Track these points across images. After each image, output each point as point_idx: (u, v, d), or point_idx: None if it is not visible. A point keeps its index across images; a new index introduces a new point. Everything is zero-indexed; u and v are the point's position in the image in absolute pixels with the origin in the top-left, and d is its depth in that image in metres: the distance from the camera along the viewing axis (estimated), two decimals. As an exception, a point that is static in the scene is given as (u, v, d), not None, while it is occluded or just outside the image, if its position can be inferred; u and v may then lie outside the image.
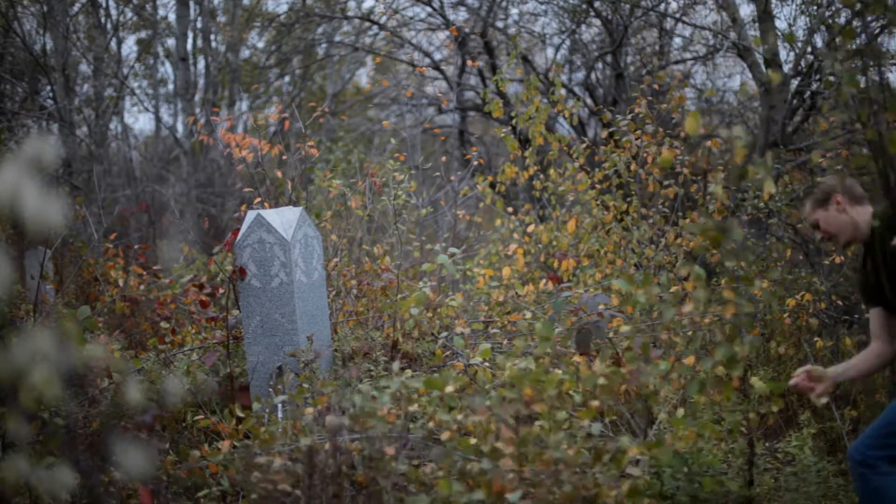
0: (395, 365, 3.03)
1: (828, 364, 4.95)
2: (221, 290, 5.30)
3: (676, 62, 11.19)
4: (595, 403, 2.80)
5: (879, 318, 3.38)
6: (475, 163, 8.25)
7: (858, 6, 7.57)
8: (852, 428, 4.56)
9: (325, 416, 3.00)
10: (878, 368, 3.46)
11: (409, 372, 3.34)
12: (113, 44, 13.37)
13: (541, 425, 2.74)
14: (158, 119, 15.81)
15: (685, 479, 3.13)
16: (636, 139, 6.07)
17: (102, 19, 12.13)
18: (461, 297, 5.55)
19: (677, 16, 9.93)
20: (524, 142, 8.28)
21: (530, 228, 6.81)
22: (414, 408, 3.07)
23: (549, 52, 13.00)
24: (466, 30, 10.66)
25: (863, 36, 8.10)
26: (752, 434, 3.75)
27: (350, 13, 12.80)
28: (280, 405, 4.04)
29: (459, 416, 2.80)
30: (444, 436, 2.69)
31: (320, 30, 13.71)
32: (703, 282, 2.69)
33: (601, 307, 4.61)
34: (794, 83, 8.24)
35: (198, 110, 13.65)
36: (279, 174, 6.54)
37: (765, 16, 8.17)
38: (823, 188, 3.44)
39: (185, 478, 3.22)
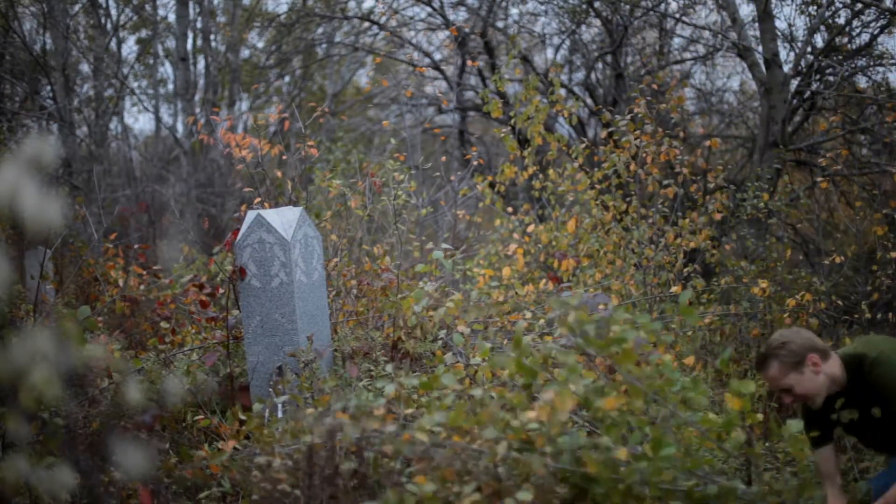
0: (390, 367, 3.03)
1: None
2: (221, 290, 5.30)
3: (676, 62, 11.19)
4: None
5: (830, 457, 3.26)
6: (475, 163, 8.25)
7: (859, 6, 7.58)
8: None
9: (325, 417, 3.00)
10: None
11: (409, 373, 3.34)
12: (113, 44, 13.38)
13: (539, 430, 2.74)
14: (158, 119, 15.82)
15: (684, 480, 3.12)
16: (635, 139, 6.07)
17: (102, 19, 12.13)
18: (461, 296, 5.55)
19: (677, 16, 9.93)
20: (523, 142, 8.29)
21: (530, 228, 6.81)
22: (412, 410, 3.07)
23: (549, 52, 13.00)
24: (466, 30, 10.66)
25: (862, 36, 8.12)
26: (750, 434, 3.75)
27: (350, 13, 12.80)
28: (280, 405, 4.05)
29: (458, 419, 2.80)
30: (422, 436, 2.64)
31: (320, 30, 13.71)
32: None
33: (601, 307, 4.61)
34: (794, 83, 8.24)
35: (198, 110, 13.66)
36: (279, 174, 6.54)
37: (765, 16, 8.17)
38: (793, 349, 3.01)
39: (186, 478, 3.23)
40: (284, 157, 6.54)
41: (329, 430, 2.70)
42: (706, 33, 10.13)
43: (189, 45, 13.77)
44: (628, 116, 6.20)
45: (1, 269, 1.59)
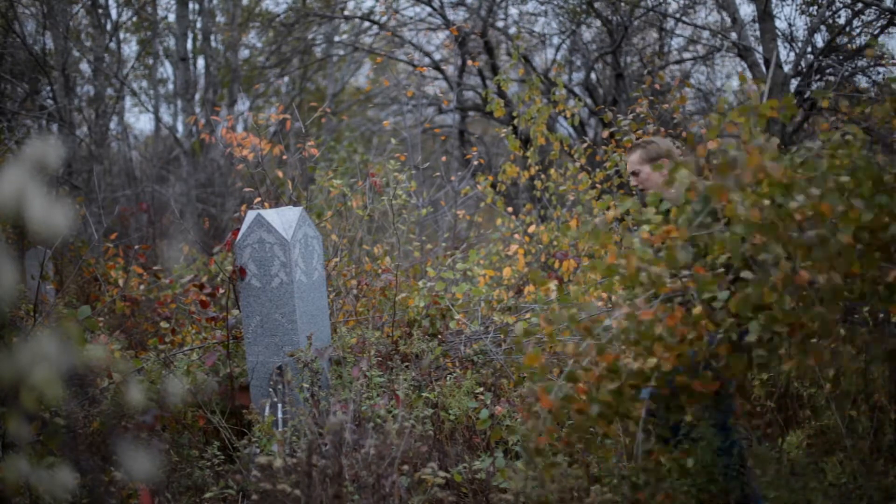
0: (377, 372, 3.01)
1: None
2: (221, 290, 5.30)
3: (676, 62, 11.19)
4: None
5: None
6: (475, 162, 8.25)
7: (859, 6, 7.58)
8: (852, 428, 4.55)
9: (328, 416, 3.00)
10: None
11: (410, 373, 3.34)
12: (113, 44, 13.37)
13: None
14: (158, 119, 15.82)
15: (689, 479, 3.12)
16: (637, 139, 6.07)
17: (102, 19, 12.13)
18: (461, 296, 5.55)
19: (677, 16, 9.93)
20: (525, 141, 8.28)
21: (531, 229, 6.81)
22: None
23: (549, 52, 13.00)
24: (466, 30, 10.66)
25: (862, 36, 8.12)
26: (749, 433, 3.75)
27: (350, 13, 12.79)
28: (280, 405, 4.05)
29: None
30: None
31: (320, 30, 13.70)
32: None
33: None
34: (794, 83, 8.24)
35: (198, 110, 13.65)
36: (279, 174, 6.54)
37: (765, 16, 8.17)
38: (657, 149, 3.69)
39: (187, 478, 3.22)
40: (285, 158, 6.53)
41: (332, 429, 2.70)
42: (706, 33, 10.13)
43: (189, 45, 13.77)
44: (630, 116, 6.20)
45: (4, 270, 1.59)
